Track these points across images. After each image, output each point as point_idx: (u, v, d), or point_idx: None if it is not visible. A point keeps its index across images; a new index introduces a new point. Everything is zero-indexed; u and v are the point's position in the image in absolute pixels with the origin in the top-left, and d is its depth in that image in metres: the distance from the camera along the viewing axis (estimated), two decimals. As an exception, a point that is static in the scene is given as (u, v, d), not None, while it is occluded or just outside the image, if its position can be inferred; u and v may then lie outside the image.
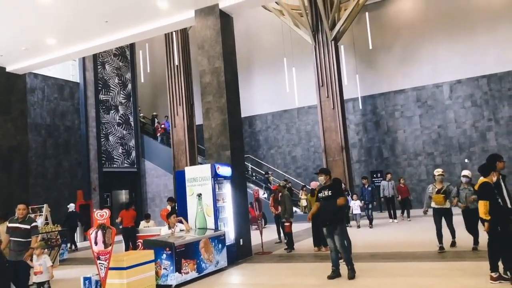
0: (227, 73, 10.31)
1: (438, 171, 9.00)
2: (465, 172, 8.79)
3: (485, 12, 18.80)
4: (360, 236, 11.99)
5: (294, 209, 13.70)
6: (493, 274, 5.88)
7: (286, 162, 22.72)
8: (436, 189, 8.75)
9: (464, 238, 8.92)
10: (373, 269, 7.77)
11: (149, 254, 7.48)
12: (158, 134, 23.15)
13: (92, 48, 12.86)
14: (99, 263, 6.60)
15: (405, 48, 20.27)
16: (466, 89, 19.16)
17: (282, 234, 12.17)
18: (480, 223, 8.04)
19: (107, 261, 6.60)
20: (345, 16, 17.91)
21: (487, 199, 5.88)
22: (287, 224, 10.74)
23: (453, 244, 8.90)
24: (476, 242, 8.46)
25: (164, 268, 7.55)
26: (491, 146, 18.51)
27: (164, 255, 7.57)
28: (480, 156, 18.66)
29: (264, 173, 21.02)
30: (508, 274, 5.95)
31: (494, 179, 6.25)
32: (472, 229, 8.49)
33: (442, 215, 8.70)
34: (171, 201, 12.77)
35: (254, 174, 22.21)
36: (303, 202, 18.03)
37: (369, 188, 14.54)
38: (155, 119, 24.05)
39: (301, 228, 14.70)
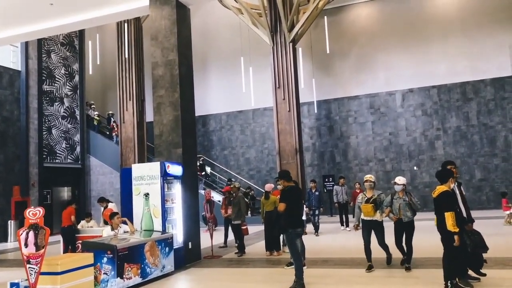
0: (181, 66, 9.77)
1: (366, 177, 7.78)
2: (398, 180, 7.45)
3: (438, 25, 19.37)
4: (312, 241, 11.76)
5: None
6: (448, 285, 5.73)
7: (239, 163, 22.34)
8: (365, 198, 7.55)
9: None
10: (326, 275, 7.52)
11: (88, 257, 6.82)
12: (114, 134, 21.72)
13: (34, 32, 11.87)
14: (29, 267, 5.87)
15: (361, 55, 20.50)
16: (417, 98, 19.62)
17: (229, 238, 11.79)
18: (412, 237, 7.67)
19: (39, 265, 5.89)
20: (303, 18, 17.78)
21: (452, 210, 5.71)
22: (244, 227, 10.32)
23: (388, 260, 7.77)
24: (409, 260, 7.38)
25: (104, 273, 6.91)
26: (438, 155, 19.04)
27: (105, 259, 6.93)
28: (428, 164, 19.16)
29: (227, 180, 20.28)
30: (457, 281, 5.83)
31: (452, 185, 6.15)
32: (406, 244, 7.40)
33: (371, 228, 7.52)
34: (102, 202, 11.59)
35: (209, 177, 21.52)
36: None
37: (317, 193, 13.21)
38: (111, 118, 22.59)
39: (253, 231, 14.35)
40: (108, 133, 22.54)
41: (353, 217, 7.99)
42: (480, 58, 18.68)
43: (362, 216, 7.55)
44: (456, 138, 18.93)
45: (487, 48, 18.61)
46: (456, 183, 6.41)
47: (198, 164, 20.55)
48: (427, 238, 11.13)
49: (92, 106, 22.55)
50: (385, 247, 7.64)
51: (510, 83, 18.42)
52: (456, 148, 18.88)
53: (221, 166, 22.25)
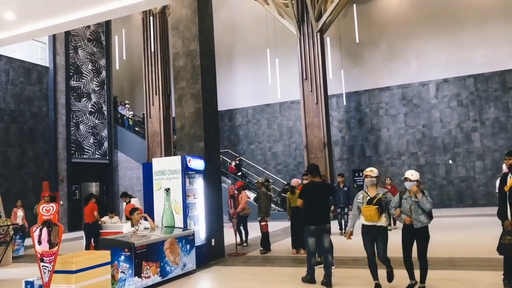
0: (203, 57, 9.41)
1: (366, 172, 6.18)
2: (411, 175, 5.78)
3: (475, 10, 18.30)
4: (340, 239, 11.21)
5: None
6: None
7: (266, 158, 21.94)
8: (368, 198, 6.03)
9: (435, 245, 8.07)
10: (356, 276, 7.02)
11: (105, 255, 6.53)
12: None
13: (57, 26, 11.75)
14: (43, 265, 5.64)
15: (392, 44, 19.67)
16: (452, 88, 18.67)
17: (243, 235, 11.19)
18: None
19: (52, 263, 5.66)
20: (332, 7, 17.17)
21: None
22: (263, 223, 9.94)
23: (389, 276, 6.10)
24: (423, 277, 5.81)
25: (121, 272, 6.65)
26: (475, 148, 18.08)
27: (123, 257, 6.66)
28: (464, 158, 18.22)
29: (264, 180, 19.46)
30: None
31: None
32: (420, 258, 5.77)
33: (374, 236, 6.00)
34: (125, 197, 11.43)
35: (245, 178, 20.79)
36: None
37: (345, 189, 11.84)
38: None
39: (279, 227, 13.98)
40: (143, 133, 22.34)
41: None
42: (521, 44, 17.56)
43: (363, 221, 6.05)
44: (494, 130, 17.90)
45: (529, 33, 17.47)
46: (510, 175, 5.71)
47: (234, 164, 20.35)
48: (465, 236, 10.47)
49: (127, 105, 22.46)
50: (387, 260, 6.04)
51: (555, 71, 17.26)
52: (494, 141, 17.85)
53: (247, 161, 21.91)
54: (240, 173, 20.50)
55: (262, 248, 9.91)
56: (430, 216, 5.76)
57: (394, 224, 11.90)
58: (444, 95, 18.78)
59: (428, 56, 18.98)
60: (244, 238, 11.12)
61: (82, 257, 6.25)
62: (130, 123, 22.14)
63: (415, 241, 5.79)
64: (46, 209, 5.82)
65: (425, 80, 19.07)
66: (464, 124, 18.40)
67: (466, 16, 18.40)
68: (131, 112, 22.51)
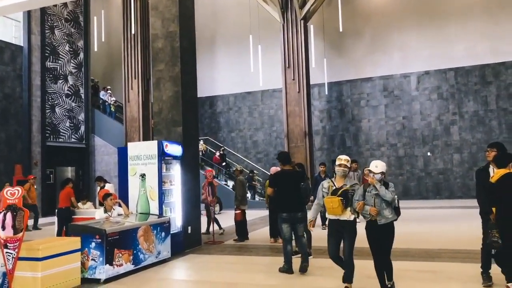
0: (183, 39, 9.11)
1: (340, 160, 5.53)
2: (375, 167, 5.12)
3: (457, 5, 18.36)
4: (320, 231, 11.14)
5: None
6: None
7: (247, 146, 21.75)
8: (333, 188, 5.44)
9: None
10: (334, 266, 6.89)
11: (74, 242, 6.30)
12: None
13: (32, 1, 11.23)
14: (6, 252, 5.38)
15: (375, 35, 19.59)
16: (433, 81, 18.74)
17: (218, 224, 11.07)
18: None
19: (16, 250, 5.39)
20: (316, -6, 16.96)
21: None
22: (237, 212, 9.77)
23: (347, 278, 5.47)
24: (390, 276, 5.24)
25: (92, 259, 6.40)
26: (454, 140, 18.24)
27: (93, 244, 6.40)
28: (442, 150, 18.38)
29: (248, 172, 19.22)
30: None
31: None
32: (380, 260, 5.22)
33: (339, 232, 5.41)
34: (100, 181, 11.15)
35: (230, 169, 20.43)
36: None
37: (327, 179, 12.15)
38: None
39: (257, 216, 13.86)
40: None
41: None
42: (502, 39, 17.69)
43: (327, 214, 5.48)
44: (473, 123, 18.07)
45: (509, 29, 17.59)
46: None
47: (218, 154, 20.04)
48: (442, 228, 10.52)
49: (108, 90, 21.84)
50: (350, 261, 5.43)
51: (533, 66, 17.46)
52: (472, 134, 18.04)
53: (228, 149, 21.69)
54: (224, 163, 20.26)
55: (237, 237, 9.75)
56: (397, 212, 5.17)
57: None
58: (425, 88, 18.85)
59: (410, 48, 18.98)
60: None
61: (50, 244, 6.00)
62: (112, 109, 21.60)
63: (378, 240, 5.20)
64: (11, 193, 5.53)
65: (407, 72, 19.10)
66: (443, 117, 18.52)
67: (448, 10, 18.43)
68: (113, 98, 21.94)
